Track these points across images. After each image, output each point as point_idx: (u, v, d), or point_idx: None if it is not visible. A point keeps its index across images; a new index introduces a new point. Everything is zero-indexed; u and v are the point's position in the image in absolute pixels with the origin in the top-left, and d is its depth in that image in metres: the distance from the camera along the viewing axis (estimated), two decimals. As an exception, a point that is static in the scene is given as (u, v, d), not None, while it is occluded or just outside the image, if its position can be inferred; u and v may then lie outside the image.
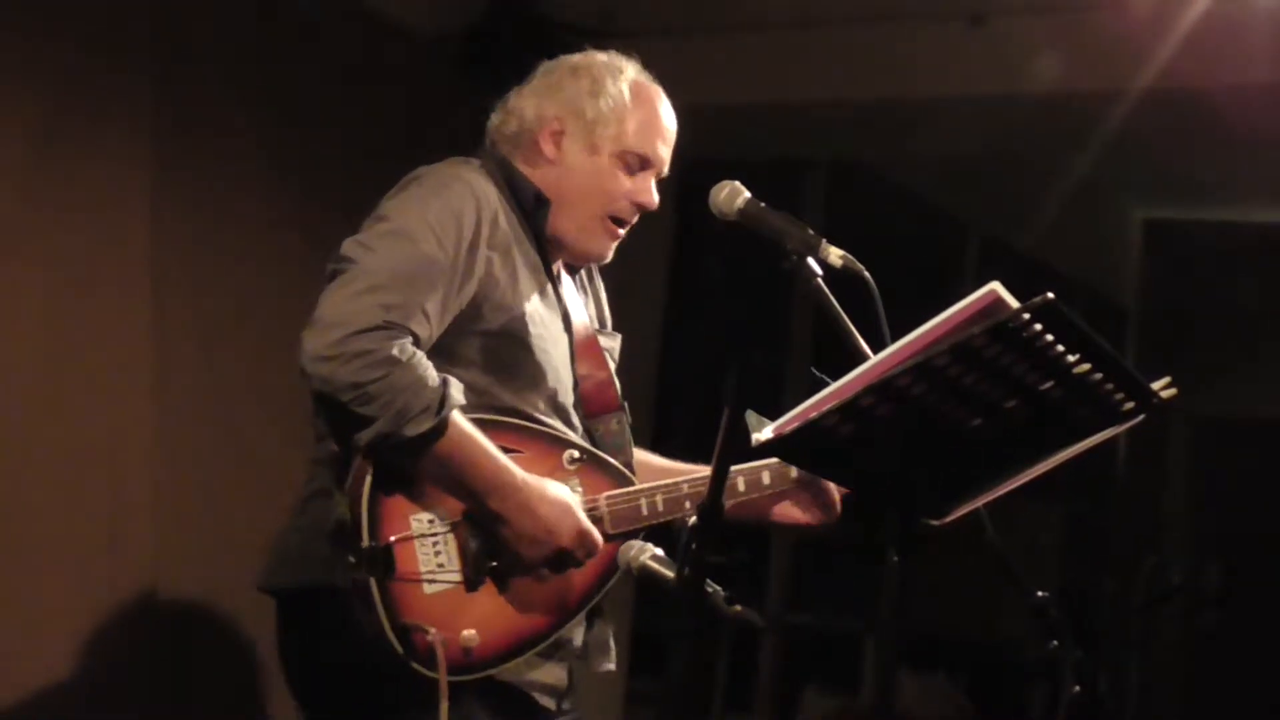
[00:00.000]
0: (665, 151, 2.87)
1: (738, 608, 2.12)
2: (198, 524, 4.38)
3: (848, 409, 1.93)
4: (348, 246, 2.61)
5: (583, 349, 2.87)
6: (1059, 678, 2.34)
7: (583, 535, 2.63)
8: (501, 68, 5.21)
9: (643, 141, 2.84)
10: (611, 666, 2.84)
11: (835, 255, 2.63)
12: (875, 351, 2.18)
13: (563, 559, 2.62)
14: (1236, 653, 6.87)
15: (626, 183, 2.84)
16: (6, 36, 3.96)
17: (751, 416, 2.26)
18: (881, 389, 1.91)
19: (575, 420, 2.82)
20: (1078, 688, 2.33)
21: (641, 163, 2.84)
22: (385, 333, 2.48)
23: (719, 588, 2.10)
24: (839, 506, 2.93)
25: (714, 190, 2.76)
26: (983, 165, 6.23)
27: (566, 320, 2.85)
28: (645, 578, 2.38)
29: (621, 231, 2.88)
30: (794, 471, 2.89)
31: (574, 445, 2.75)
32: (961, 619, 6.37)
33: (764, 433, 2.00)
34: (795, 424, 1.97)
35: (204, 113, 4.43)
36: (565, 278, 2.92)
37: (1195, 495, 7.52)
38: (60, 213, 4.08)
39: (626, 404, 2.94)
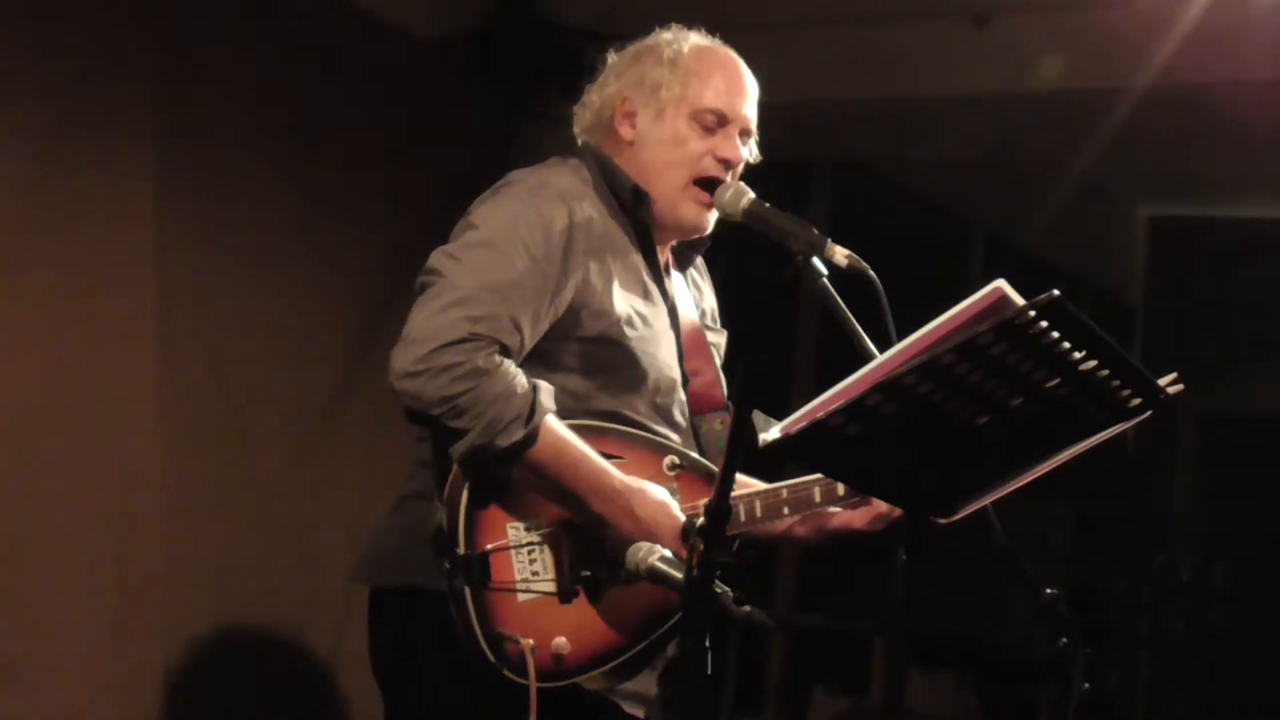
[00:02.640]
0: (742, 105, 2.79)
1: (747, 608, 2.11)
2: (205, 532, 4.38)
3: (854, 408, 1.92)
4: (436, 258, 2.59)
5: (690, 345, 2.84)
6: (1068, 676, 2.33)
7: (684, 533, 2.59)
8: (503, 70, 5.26)
9: (715, 97, 2.76)
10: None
11: (841, 255, 2.62)
12: (881, 350, 2.18)
13: None
14: (1245, 650, 6.87)
15: (707, 142, 2.76)
16: (9, 47, 3.97)
17: (758, 416, 2.26)
18: (888, 388, 1.90)
19: (678, 418, 2.79)
20: (1087, 686, 2.33)
21: (719, 119, 2.76)
22: (472, 344, 2.47)
23: (728, 588, 2.09)
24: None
25: (719, 190, 2.75)
26: (987, 164, 6.22)
27: (674, 316, 2.81)
28: (654, 578, 2.37)
29: (709, 197, 2.77)
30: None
31: (674, 451, 2.73)
32: (970, 618, 6.36)
33: (771, 433, 2.00)
34: (802, 424, 1.97)
35: (207, 119, 4.43)
36: (675, 274, 2.89)
37: (1203, 493, 7.51)
38: (65, 222, 4.08)
39: (731, 404, 2.87)
